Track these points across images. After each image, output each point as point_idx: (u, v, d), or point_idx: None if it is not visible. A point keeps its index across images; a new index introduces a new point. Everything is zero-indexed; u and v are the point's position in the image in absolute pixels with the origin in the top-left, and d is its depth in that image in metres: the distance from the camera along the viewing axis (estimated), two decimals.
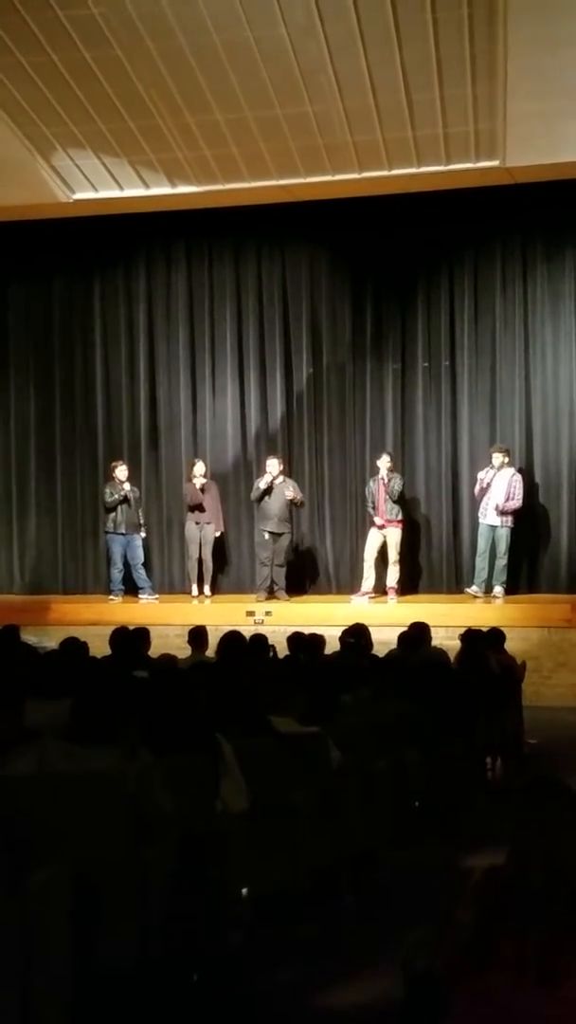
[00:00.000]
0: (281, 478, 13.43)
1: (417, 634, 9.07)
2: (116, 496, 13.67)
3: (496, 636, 9.62)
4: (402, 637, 9.00)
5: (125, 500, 13.67)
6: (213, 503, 13.87)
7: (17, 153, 12.43)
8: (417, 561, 13.97)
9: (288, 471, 13.89)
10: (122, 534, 13.73)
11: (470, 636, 9.25)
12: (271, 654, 8.51)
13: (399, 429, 14.12)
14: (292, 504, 13.37)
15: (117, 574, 13.81)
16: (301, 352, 14.36)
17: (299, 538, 14.25)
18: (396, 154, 12.11)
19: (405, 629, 9.16)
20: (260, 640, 8.53)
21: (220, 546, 14.15)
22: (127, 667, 7.23)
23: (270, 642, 8.65)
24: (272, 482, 13.34)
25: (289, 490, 13.31)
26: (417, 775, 6.98)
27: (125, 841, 4.15)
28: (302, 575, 14.16)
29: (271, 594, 13.39)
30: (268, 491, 13.36)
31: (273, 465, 13.46)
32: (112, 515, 13.76)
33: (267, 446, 14.35)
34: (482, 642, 9.20)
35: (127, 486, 13.73)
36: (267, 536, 13.40)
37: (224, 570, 14.42)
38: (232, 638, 8.22)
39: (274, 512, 13.34)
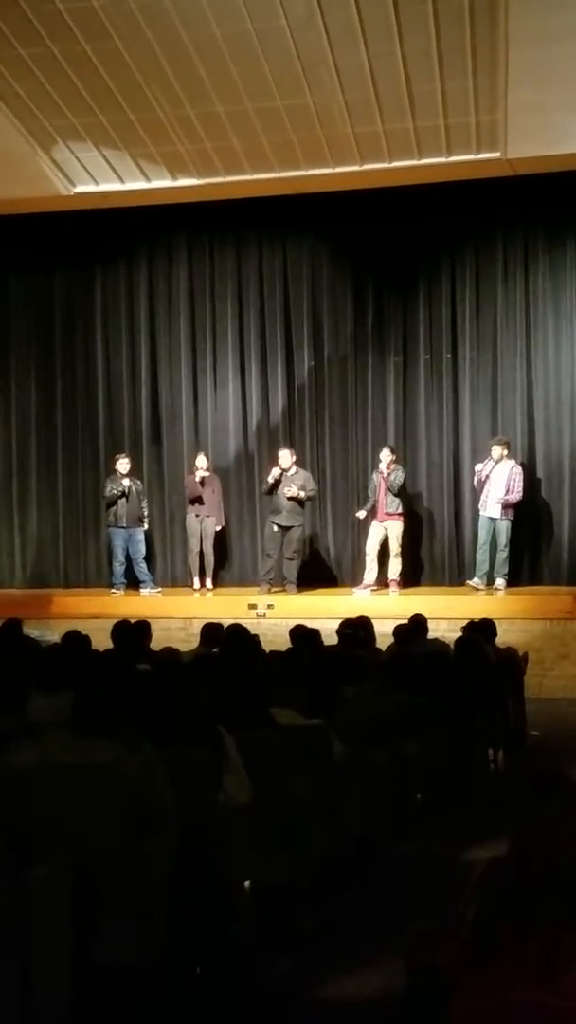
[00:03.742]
0: (293, 469, 13.33)
1: (412, 626, 9.07)
2: (114, 491, 13.66)
3: (488, 627, 9.57)
4: (397, 629, 9.01)
5: (124, 494, 13.66)
6: (214, 497, 13.84)
7: (17, 146, 12.41)
8: (419, 554, 13.96)
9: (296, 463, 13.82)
10: (123, 527, 13.72)
11: (466, 627, 9.26)
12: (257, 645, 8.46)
13: (401, 421, 14.11)
14: (296, 499, 13.27)
15: (119, 567, 13.80)
16: (303, 345, 14.34)
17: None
18: (397, 146, 12.10)
19: (404, 622, 9.17)
20: (240, 632, 8.48)
21: (222, 539, 14.13)
22: (129, 660, 7.23)
23: (271, 635, 8.63)
24: (282, 475, 13.25)
25: (290, 486, 13.21)
26: (419, 768, 6.98)
27: (126, 834, 4.15)
28: (304, 568, 14.14)
29: (275, 586, 13.32)
30: (278, 484, 13.26)
31: (285, 457, 13.35)
32: (112, 509, 13.75)
33: (269, 439, 14.35)
34: (478, 632, 9.19)
35: (126, 481, 13.71)
36: (276, 529, 13.32)
37: (226, 563, 14.41)
38: (234, 631, 8.22)
39: (284, 505, 13.22)
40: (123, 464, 13.81)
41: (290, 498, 13.16)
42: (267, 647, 8.51)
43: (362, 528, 13.71)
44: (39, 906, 3.75)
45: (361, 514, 13.37)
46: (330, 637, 8.74)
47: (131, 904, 4.12)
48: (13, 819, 3.99)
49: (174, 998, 4.29)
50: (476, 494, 13.14)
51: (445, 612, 11.47)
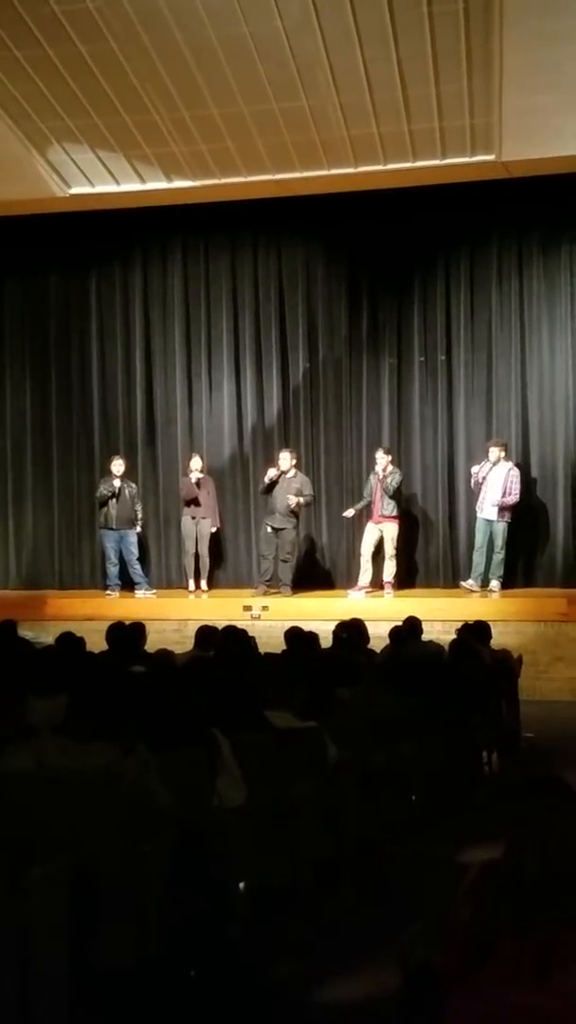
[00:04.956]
0: (292, 472, 13.32)
1: (407, 628, 9.08)
2: (105, 492, 13.64)
3: (482, 629, 9.58)
4: (392, 631, 9.02)
5: (114, 495, 13.63)
6: (209, 499, 13.83)
7: (13, 148, 12.41)
8: (413, 556, 13.97)
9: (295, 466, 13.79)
10: (113, 529, 13.67)
11: (461, 629, 9.27)
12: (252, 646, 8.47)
13: (395, 424, 14.12)
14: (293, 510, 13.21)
15: (113, 569, 13.77)
16: (297, 347, 14.34)
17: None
18: (392, 148, 12.11)
19: (398, 624, 9.18)
20: (235, 634, 8.48)
21: (217, 541, 14.13)
22: (124, 662, 7.23)
23: (265, 637, 8.63)
24: (279, 476, 13.23)
25: (290, 495, 13.14)
26: (414, 770, 6.99)
27: (123, 837, 4.15)
28: (299, 570, 14.14)
29: (271, 587, 13.31)
30: (274, 484, 13.24)
31: (285, 459, 13.33)
32: (104, 510, 13.72)
33: (264, 441, 14.37)
34: (473, 635, 9.20)
35: (117, 482, 13.67)
36: (269, 530, 13.31)
37: (221, 565, 14.41)
38: (230, 633, 8.22)
39: (278, 507, 13.21)
40: (116, 465, 13.79)
41: (291, 510, 13.13)
42: (262, 649, 8.52)
43: (357, 529, 13.72)
44: (37, 909, 3.75)
45: (349, 513, 13.37)
46: (325, 638, 8.75)
47: (129, 906, 4.13)
48: (10, 823, 4.00)
49: (171, 1000, 4.30)
50: (474, 496, 13.15)
51: (440, 614, 11.48)
